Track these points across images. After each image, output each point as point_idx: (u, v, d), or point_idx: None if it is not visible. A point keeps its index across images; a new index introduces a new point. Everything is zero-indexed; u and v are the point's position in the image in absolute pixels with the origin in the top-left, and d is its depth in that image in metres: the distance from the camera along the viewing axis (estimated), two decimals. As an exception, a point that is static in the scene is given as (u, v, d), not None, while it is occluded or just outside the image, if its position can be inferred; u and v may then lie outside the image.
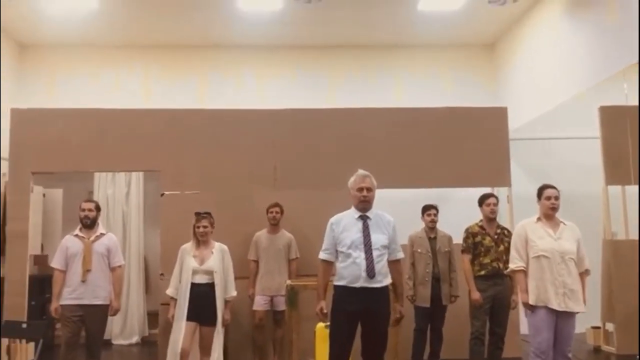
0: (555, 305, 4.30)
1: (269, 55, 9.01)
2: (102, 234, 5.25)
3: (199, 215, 5.10)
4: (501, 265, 5.23)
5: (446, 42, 9.12)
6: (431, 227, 5.83)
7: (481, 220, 5.48)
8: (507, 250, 5.01)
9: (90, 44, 8.75)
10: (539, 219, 4.55)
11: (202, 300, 4.95)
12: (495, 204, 5.44)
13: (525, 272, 4.47)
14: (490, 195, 5.56)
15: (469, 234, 5.43)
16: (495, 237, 5.37)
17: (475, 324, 5.30)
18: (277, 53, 9.01)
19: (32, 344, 6.68)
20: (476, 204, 5.58)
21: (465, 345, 5.38)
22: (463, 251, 5.44)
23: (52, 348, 6.51)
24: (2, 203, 7.75)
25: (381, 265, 4.05)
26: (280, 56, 9.02)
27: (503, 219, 5.78)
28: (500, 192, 6.75)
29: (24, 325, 5.40)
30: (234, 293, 5.13)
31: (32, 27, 8.21)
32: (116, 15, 7.95)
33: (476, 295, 5.25)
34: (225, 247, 5.18)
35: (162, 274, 6.54)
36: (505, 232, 5.44)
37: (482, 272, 5.29)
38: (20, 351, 6.56)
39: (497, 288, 5.27)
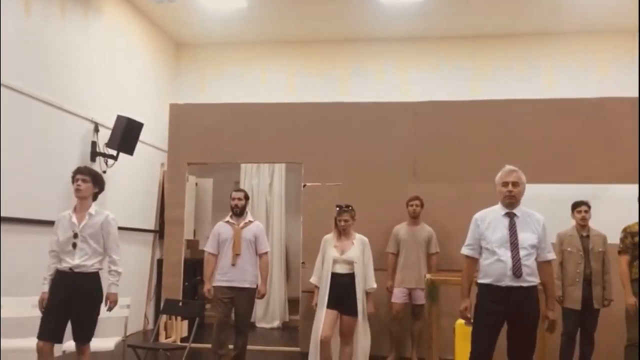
0: None
1: (411, 47, 8.92)
2: (250, 222, 5.53)
3: (340, 209, 5.18)
4: (664, 270, 4.80)
5: (599, 28, 8.45)
6: (582, 225, 5.48)
7: (641, 220, 5.06)
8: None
9: (238, 42, 9.20)
10: None
11: (342, 290, 5.03)
12: (660, 203, 5.00)
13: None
14: (655, 192, 5.11)
15: (628, 234, 5.03)
16: (659, 238, 4.94)
17: (632, 331, 4.91)
18: (419, 45, 8.90)
19: (185, 322, 7.21)
20: (633, 202, 5.15)
21: (620, 354, 5.02)
22: (620, 252, 5.05)
23: (203, 326, 6.97)
24: (161, 191, 8.44)
25: (529, 265, 3.86)
26: (421, 48, 8.90)
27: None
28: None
29: (181, 304, 5.84)
30: (374, 285, 5.16)
31: (186, 27, 8.80)
32: (262, 13, 8.29)
33: (632, 299, 4.87)
34: (365, 238, 5.23)
35: (303, 263, 6.76)
36: (669, 234, 4.99)
37: (642, 276, 4.89)
38: (176, 328, 7.11)
39: (659, 294, 4.85)
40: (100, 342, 4.75)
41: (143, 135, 7.28)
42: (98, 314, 4.31)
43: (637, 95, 7.05)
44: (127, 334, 5.10)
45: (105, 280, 4.36)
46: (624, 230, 5.10)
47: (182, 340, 6.95)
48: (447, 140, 6.89)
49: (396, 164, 6.93)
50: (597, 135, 6.66)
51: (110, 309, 4.37)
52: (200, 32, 8.96)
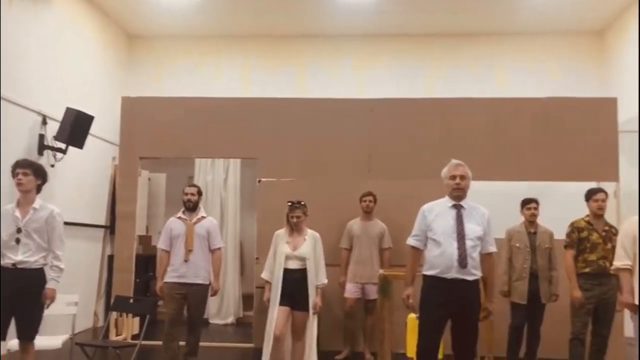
0: (662, 307, 4.04)
1: (366, 45, 8.98)
2: (203, 217, 5.47)
3: (292, 205, 5.16)
4: (608, 264, 4.92)
5: (551, 29, 8.70)
6: (531, 222, 5.62)
7: (587, 216, 5.22)
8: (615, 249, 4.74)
9: (192, 35, 9.09)
10: (649, 215, 4.27)
11: (294, 286, 5.02)
12: (604, 200, 5.16)
13: (631, 271, 4.21)
14: (600, 190, 5.26)
15: (574, 229, 5.18)
16: (603, 234, 5.09)
17: (576, 324, 5.07)
18: (375, 42, 8.97)
19: (136, 319, 7.10)
20: (580, 199, 5.31)
21: (565, 346, 5.16)
22: (566, 246, 5.19)
23: (155, 323, 6.88)
24: (112, 186, 8.27)
25: (474, 257, 3.94)
26: (377, 45, 8.97)
27: (609, 216, 5.46)
28: (607, 187, 6.39)
29: (132, 301, 5.74)
30: (325, 280, 5.17)
31: (139, 18, 8.64)
32: (217, 6, 8.21)
33: (577, 293, 5.02)
34: (317, 234, 5.23)
35: (257, 258, 6.74)
36: (614, 230, 5.14)
37: (587, 270, 5.04)
38: (127, 325, 6.98)
39: (603, 288, 5.00)
40: (47, 340, 4.64)
41: (94, 129, 7.13)
42: (43, 311, 4.21)
43: (585, 95, 7.29)
44: (76, 331, 5.01)
45: (47, 277, 4.26)
46: (571, 225, 5.25)
47: (134, 337, 6.84)
48: (402, 137, 6.97)
49: (351, 160, 6.97)
50: (547, 134, 6.84)
51: (47, 306, 4.27)
52: (154, 24, 8.81)
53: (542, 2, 7.96)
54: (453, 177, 4.07)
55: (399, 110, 7.09)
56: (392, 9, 8.16)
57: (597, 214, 5.16)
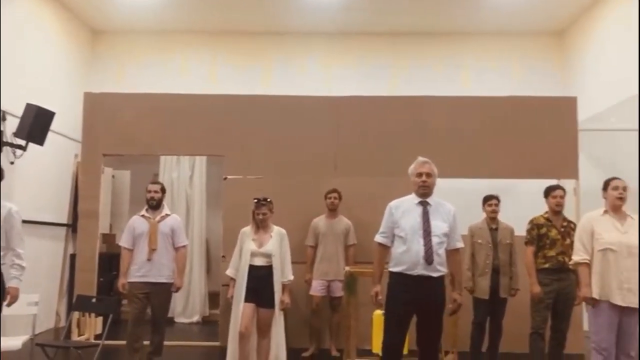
0: (618, 301, 4.16)
1: (333, 42, 9.01)
2: (167, 215, 5.42)
3: (258, 202, 5.16)
4: (567, 260, 5.04)
5: (514, 30, 8.87)
6: (492, 218, 5.72)
7: (546, 212, 5.33)
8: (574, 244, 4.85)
9: (157, 30, 8.97)
10: (605, 211, 4.40)
11: (260, 283, 5.02)
12: (562, 196, 5.28)
13: (589, 265, 4.33)
14: (557, 187, 5.38)
15: (534, 225, 5.28)
16: (562, 230, 5.21)
17: (536, 319, 5.17)
18: (342, 40, 9.00)
19: (100, 318, 7.00)
20: (540, 196, 5.43)
21: (526, 340, 5.27)
22: (526, 243, 5.29)
23: (119, 323, 6.79)
24: (75, 183, 8.13)
25: (440, 254, 4.00)
26: (344, 43, 9.01)
27: (569, 212, 5.59)
28: (567, 184, 6.55)
29: (95, 300, 5.65)
30: (291, 277, 5.18)
31: (102, 13, 8.50)
32: (184, 2, 8.13)
33: (537, 289, 5.12)
34: (283, 231, 5.23)
35: (223, 256, 6.70)
36: (572, 225, 5.25)
37: (547, 265, 5.15)
38: (89, 325, 6.88)
39: (562, 283, 5.12)
40: (7, 341, 4.54)
41: (55, 125, 7.00)
42: (0, 311, 4.11)
43: (547, 94, 7.44)
44: (37, 332, 4.91)
45: (8, 276, 4.16)
46: (531, 221, 5.35)
47: (97, 337, 6.73)
48: (368, 135, 7.01)
49: (317, 157, 6.99)
50: (509, 133, 6.96)
51: (9, 305, 4.17)
52: (118, 20, 8.68)
53: (505, 3, 8.10)
54: (419, 175, 4.13)
55: (365, 108, 7.13)
56: (359, 7, 8.20)
57: (556, 211, 5.27)
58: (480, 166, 6.90)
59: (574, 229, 5.15)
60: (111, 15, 8.55)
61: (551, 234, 5.19)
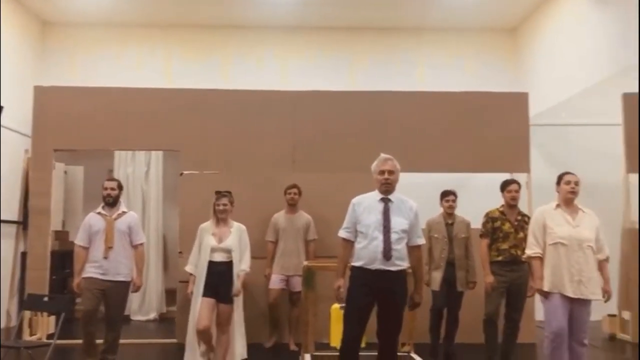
0: (569, 293, 4.29)
1: (291, 37, 8.99)
2: (124, 212, 5.31)
3: (219, 194, 5.15)
4: (519, 252, 5.17)
5: (469, 26, 9.03)
6: (449, 213, 5.83)
7: (502, 206, 5.46)
8: (527, 237, 4.98)
9: (112, 23, 8.78)
10: (558, 205, 4.52)
11: (220, 278, 4.99)
12: (517, 190, 5.40)
13: (541, 258, 4.46)
14: (513, 181, 5.50)
15: (489, 219, 5.40)
16: (516, 223, 5.34)
17: (489, 307, 5.29)
18: (299, 34, 8.98)
19: (52, 318, 6.82)
20: (495, 190, 5.55)
21: (482, 330, 5.39)
22: (481, 235, 5.41)
23: (72, 321, 6.64)
24: (25, 179, 7.89)
25: (399, 249, 4.05)
26: (302, 37, 9.00)
27: (522, 206, 5.74)
28: (519, 178, 6.70)
29: (46, 299, 5.51)
30: (246, 268, 5.10)
31: (53, 4, 8.25)
32: (138, -6, 7.99)
33: (490, 278, 5.24)
34: (243, 226, 5.22)
35: (180, 252, 6.63)
36: (526, 219, 5.39)
37: (500, 258, 5.27)
38: (41, 324, 6.70)
39: (514, 274, 5.24)
40: (-46, 343, 4.38)
41: (4, 120, 6.76)
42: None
43: (500, 90, 7.59)
44: (-14, 333, 4.74)
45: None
46: (486, 215, 5.47)
47: (49, 336, 6.56)
48: (326, 130, 7.02)
49: (275, 152, 6.97)
50: (464, 127, 7.08)
51: None
52: (70, 11, 8.44)
53: (460, 0, 8.22)
54: (382, 172, 4.16)
55: (323, 102, 7.14)
56: (317, 1, 8.19)
57: (511, 204, 5.40)
58: (436, 161, 7.00)
59: (527, 222, 5.27)
60: (62, 6, 8.30)
61: (504, 227, 5.32)
